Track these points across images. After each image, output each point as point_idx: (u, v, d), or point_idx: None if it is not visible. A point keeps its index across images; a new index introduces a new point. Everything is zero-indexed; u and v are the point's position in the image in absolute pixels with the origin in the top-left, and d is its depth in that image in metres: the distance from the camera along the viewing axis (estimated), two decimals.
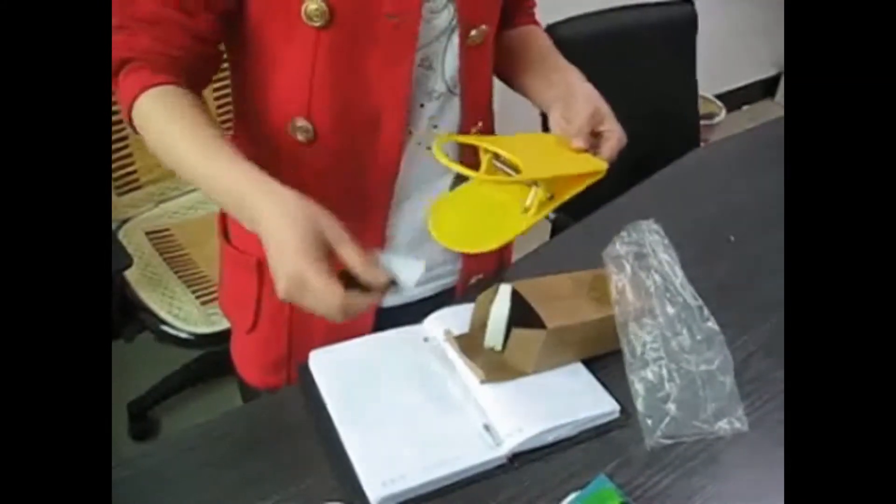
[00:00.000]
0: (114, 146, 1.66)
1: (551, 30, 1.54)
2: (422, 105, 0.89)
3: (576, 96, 0.92)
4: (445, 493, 0.77)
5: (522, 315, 0.86)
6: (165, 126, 0.79)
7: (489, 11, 0.90)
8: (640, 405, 0.84)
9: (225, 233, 1.02)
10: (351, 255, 0.70)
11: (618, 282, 0.89)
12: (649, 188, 1.26)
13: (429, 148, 0.91)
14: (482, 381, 0.83)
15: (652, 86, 1.67)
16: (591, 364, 0.90)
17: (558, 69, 0.99)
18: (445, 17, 0.85)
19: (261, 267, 0.96)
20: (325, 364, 0.88)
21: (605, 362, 0.90)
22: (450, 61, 0.88)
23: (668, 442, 0.83)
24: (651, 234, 0.91)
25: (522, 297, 0.86)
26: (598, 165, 0.88)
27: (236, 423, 0.87)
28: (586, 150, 0.90)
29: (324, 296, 0.68)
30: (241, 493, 0.77)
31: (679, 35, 1.71)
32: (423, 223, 0.92)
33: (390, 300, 0.95)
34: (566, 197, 0.86)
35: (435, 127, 0.92)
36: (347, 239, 0.71)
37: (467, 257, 1.03)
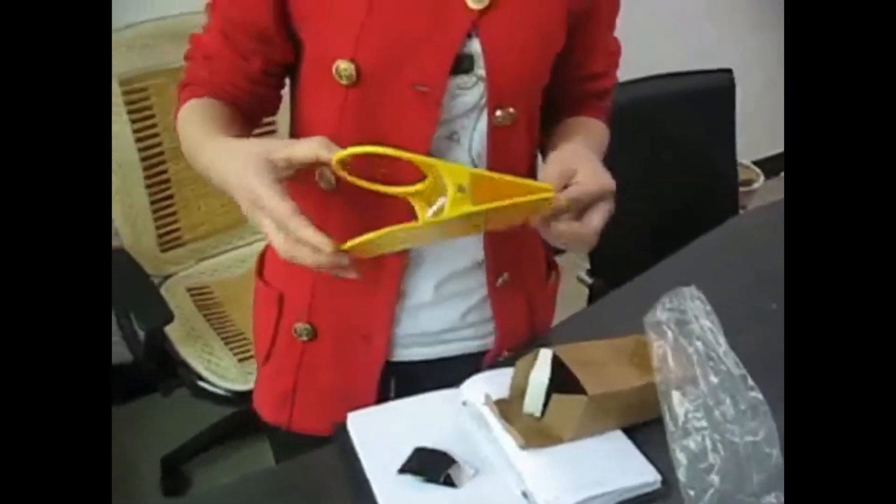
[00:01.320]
0: (160, 205, 1.71)
1: None
2: None
3: (551, 159, 0.87)
4: None
5: (562, 381, 0.85)
6: (193, 129, 0.87)
7: (522, 96, 0.90)
8: (682, 476, 0.83)
9: (260, 269, 1.06)
10: (294, 145, 0.77)
11: (659, 349, 0.88)
12: (688, 255, 1.26)
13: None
14: (521, 447, 0.82)
15: (691, 153, 1.68)
16: (632, 432, 0.89)
17: (568, 143, 0.93)
18: (475, 94, 0.86)
19: (281, 299, 1.01)
20: (363, 425, 0.88)
21: (647, 431, 0.89)
22: (477, 138, 0.89)
23: None
24: (693, 301, 0.90)
25: (563, 362, 0.85)
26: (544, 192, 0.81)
27: (267, 484, 0.87)
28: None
29: (274, 206, 0.73)
30: None
31: (718, 103, 1.72)
32: (440, 284, 0.96)
33: (414, 354, 1.00)
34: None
35: None
36: (293, 143, 0.78)
37: (501, 321, 1.02)
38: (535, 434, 0.84)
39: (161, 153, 1.68)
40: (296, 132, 0.95)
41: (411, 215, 0.85)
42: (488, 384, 0.90)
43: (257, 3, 0.85)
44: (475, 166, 0.90)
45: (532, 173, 1.00)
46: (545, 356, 0.86)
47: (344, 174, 0.79)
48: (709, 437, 0.83)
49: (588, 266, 1.68)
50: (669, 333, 0.88)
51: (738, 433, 0.83)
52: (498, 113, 0.87)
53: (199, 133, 0.86)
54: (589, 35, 0.96)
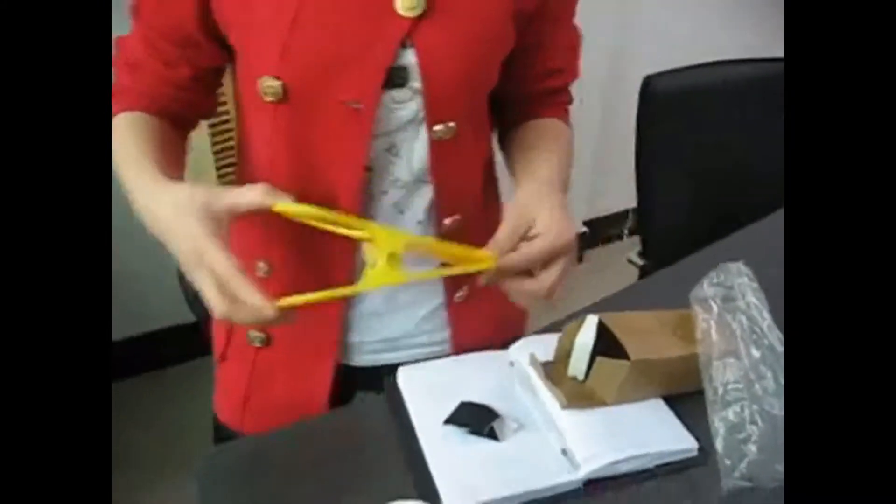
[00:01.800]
0: (222, 171, 1.77)
1: (647, 82, 1.58)
2: (385, 192, 0.88)
3: (509, 208, 0.83)
4: None
5: (607, 346, 0.88)
6: (124, 153, 0.81)
7: (463, 109, 0.86)
8: (719, 445, 0.85)
9: None
10: (237, 196, 0.74)
11: (703, 322, 0.90)
12: (741, 238, 1.27)
13: None
14: (563, 407, 0.85)
15: (743, 140, 1.67)
16: (672, 402, 0.91)
17: (532, 181, 0.88)
18: (412, 108, 0.82)
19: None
20: (413, 379, 0.92)
21: (687, 401, 0.90)
22: (418, 151, 0.86)
23: (746, 485, 0.83)
24: (740, 277, 0.92)
25: (608, 329, 0.88)
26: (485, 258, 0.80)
27: (319, 430, 0.91)
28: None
29: (218, 262, 0.70)
30: (321, 498, 0.81)
31: (771, 90, 1.72)
32: (387, 297, 0.96)
33: (370, 360, 1.00)
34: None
35: (401, 213, 0.90)
36: (236, 193, 0.74)
37: (457, 330, 1.00)
38: (578, 396, 0.87)
39: None
40: (239, 146, 0.93)
41: (349, 251, 0.87)
42: (535, 346, 0.93)
43: (181, 10, 0.81)
44: (419, 180, 0.88)
45: (488, 188, 0.99)
46: (591, 321, 0.89)
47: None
48: (748, 408, 0.85)
49: (640, 248, 1.70)
50: (714, 307, 0.90)
51: (776, 406, 0.84)
52: (437, 127, 0.83)
53: (131, 162, 0.80)
54: (544, 32, 0.91)
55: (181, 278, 1.01)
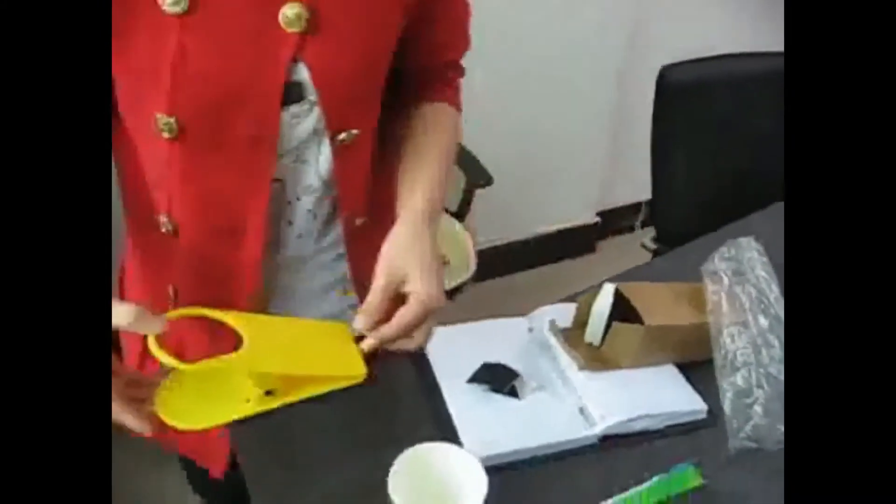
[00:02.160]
0: None
1: (664, 73, 1.61)
2: (298, 198, 0.90)
3: (386, 253, 0.82)
4: (536, 464, 0.85)
5: (623, 314, 0.93)
6: None
7: (361, 117, 0.87)
8: (726, 407, 0.90)
9: (122, 294, 1.05)
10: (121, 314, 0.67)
11: (714, 294, 0.95)
12: (754, 220, 1.30)
13: (300, 236, 0.94)
14: (580, 368, 0.90)
15: (760, 132, 1.71)
16: (684, 369, 0.96)
17: (414, 190, 0.88)
18: (312, 119, 0.82)
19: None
20: (437, 342, 0.96)
21: (698, 369, 0.95)
22: (324, 159, 0.87)
23: (752, 446, 0.88)
24: (750, 251, 0.97)
25: (624, 297, 0.93)
26: (355, 371, 0.80)
27: (350, 389, 0.96)
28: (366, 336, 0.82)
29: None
30: (355, 450, 0.86)
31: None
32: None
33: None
34: (305, 393, 0.78)
35: (315, 217, 0.93)
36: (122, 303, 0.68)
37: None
38: (594, 359, 0.92)
39: None
40: (122, 179, 0.90)
41: (254, 281, 0.88)
42: (553, 314, 0.98)
43: None
44: (325, 186, 0.89)
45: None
46: (608, 290, 0.94)
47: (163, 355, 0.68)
48: (755, 373, 0.90)
49: (654, 234, 1.74)
50: (725, 280, 0.95)
51: (782, 372, 0.89)
52: (341, 136, 0.84)
53: None
54: (427, 16, 0.88)
55: None
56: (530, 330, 0.99)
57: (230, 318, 0.74)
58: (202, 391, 0.73)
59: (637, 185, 2.57)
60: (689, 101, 1.64)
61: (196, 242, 0.87)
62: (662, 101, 1.62)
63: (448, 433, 0.86)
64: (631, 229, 2.96)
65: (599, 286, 0.95)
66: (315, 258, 0.98)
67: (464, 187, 1.97)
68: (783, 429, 0.87)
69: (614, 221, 2.88)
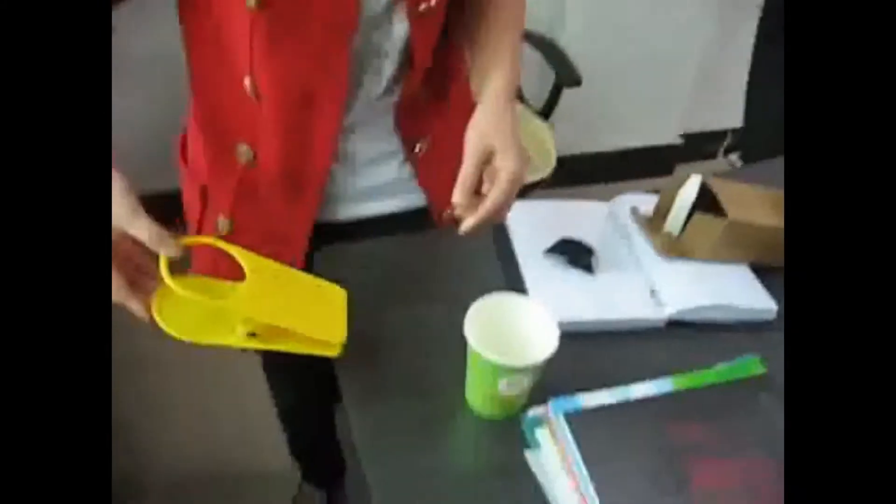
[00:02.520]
0: None
1: None
2: (371, 63, 0.91)
3: (473, 130, 0.84)
4: (603, 337, 0.87)
5: (706, 206, 0.93)
6: None
7: None
8: None
9: (184, 154, 1.08)
10: (140, 229, 0.71)
11: None
12: None
13: (369, 99, 0.94)
14: (657, 253, 0.91)
15: None
16: (760, 273, 0.96)
17: (489, 71, 0.90)
18: None
19: (204, 191, 1.02)
20: (517, 214, 0.98)
21: (774, 275, 0.95)
22: (399, 26, 0.88)
23: None
24: None
25: (710, 190, 0.93)
26: (334, 338, 0.79)
27: (426, 243, 1.00)
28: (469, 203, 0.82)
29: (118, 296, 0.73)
30: (424, 298, 0.91)
31: None
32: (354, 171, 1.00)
33: (345, 214, 1.03)
34: (284, 347, 0.79)
35: (383, 83, 0.94)
36: (142, 217, 0.71)
37: (430, 187, 1.05)
38: (672, 248, 0.93)
39: None
40: (202, 49, 0.92)
41: (332, 142, 0.91)
42: (635, 201, 0.99)
43: None
44: (397, 54, 0.90)
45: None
46: (694, 180, 0.94)
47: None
48: None
49: (739, 153, 1.71)
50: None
51: None
52: (422, 7, 0.86)
53: None
54: None
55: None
56: (610, 214, 1.00)
57: (240, 255, 0.77)
58: (196, 307, 0.76)
59: (726, 111, 2.52)
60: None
61: (278, 106, 0.90)
62: (767, 24, 1.55)
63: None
64: (713, 156, 2.91)
65: (686, 177, 0.95)
66: (373, 121, 0.98)
67: (552, 85, 1.95)
68: None
69: (697, 145, 2.82)
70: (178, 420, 1.82)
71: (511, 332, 0.77)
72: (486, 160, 0.82)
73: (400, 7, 0.86)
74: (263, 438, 1.71)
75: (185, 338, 0.75)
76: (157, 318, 0.74)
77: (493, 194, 0.81)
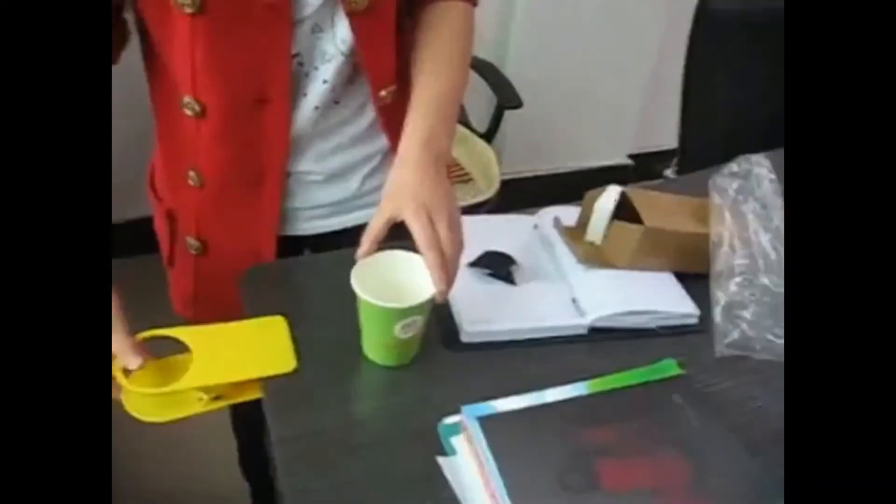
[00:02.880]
0: None
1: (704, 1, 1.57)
2: (316, 68, 0.91)
3: (389, 191, 0.84)
4: (525, 346, 0.88)
5: (625, 215, 0.95)
6: None
7: None
8: (717, 315, 0.92)
9: (152, 183, 1.08)
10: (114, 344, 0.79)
11: (718, 206, 0.96)
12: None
13: (316, 108, 0.93)
14: (578, 261, 0.93)
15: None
16: (682, 280, 0.97)
17: (412, 119, 0.88)
18: None
19: (171, 214, 1.04)
20: None
21: (695, 281, 0.96)
22: (339, 26, 0.88)
23: (738, 353, 0.90)
24: (759, 167, 0.97)
25: (629, 200, 0.95)
26: (287, 367, 0.83)
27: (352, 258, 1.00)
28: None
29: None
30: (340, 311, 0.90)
31: None
32: (316, 185, 1.00)
33: (319, 227, 1.05)
34: (248, 396, 0.84)
35: (332, 90, 0.93)
36: (117, 327, 0.79)
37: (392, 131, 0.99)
38: (593, 256, 0.95)
39: None
40: (148, 65, 0.94)
41: (283, 140, 0.91)
42: (560, 213, 1.01)
43: None
44: (343, 55, 0.90)
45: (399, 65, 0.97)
46: (613, 190, 0.95)
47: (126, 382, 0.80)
48: (749, 283, 0.91)
49: (676, 167, 1.74)
50: (731, 192, 0.97)
51: (775, 283, 0.91)
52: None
53: None
54: None
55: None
56: (535, 227, 1.02)
57: (179, 334, 0.83)
58: (159, 394, 0.82)
59: (676, 130, 2.56)
60: (730, 32, 1.59)
61: (223, 120, 0.90)
62: (700, 32, 1.58)
63: (444, 312, 0.90)
64: (662, 176, 2.95)
65: (605, 187, 0.97)
66: (330, 131, 0.98)
67: (494, 108, 1.98)
68: (771, 338, 0.90)
69: (647, 165, 2.86)
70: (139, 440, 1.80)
71: (394, 282, 0.81)
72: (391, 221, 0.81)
73: (335, 4, 0.85)
74: (217, 458, 1.70)
75: (156, 420, 0.82)
76: (129, 410, 0.82)
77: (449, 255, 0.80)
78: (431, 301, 0.79)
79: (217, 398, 0.83)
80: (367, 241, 0.81)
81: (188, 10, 0.79)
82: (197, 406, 0.83)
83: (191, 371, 0.81)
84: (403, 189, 0.82)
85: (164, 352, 0.85)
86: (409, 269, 0.81)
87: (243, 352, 0.85)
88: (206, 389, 0.83)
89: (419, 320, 0.80)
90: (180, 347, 0.85)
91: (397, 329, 0.79)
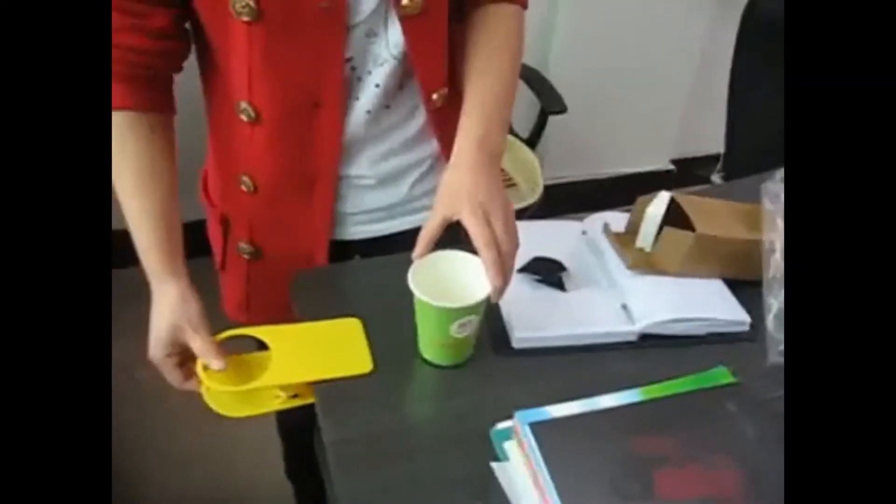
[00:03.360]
0: None
1: (753, 3, 1.56)
2: (369, 72, 0.92)
3: (443, 192, 0.85)
4: (575, 352, 0.88)
5: (675, 221, 0.95)
6: (118, 167, 0.87)
7: None
8: (769, 323, 0.91)
9: (205, 188, 1.10)
10: (195, 343, 0.87)
11: (771, 212, 0.95)
12: None
13: (368, 112, 0.94)
14: (628, 267, 0.93)
15: None
16: (732, 287, 0.96)
17: (468, 118, 0.90)
18: None
19: (224, 220, 1.06)
20: None
21: (746, 288, 0.95)
22: (392, 30, 0.89)
23: None
24: None
25: (679, 205, 0.94)
26: (363, 369, 0.85)
27: (404, 263, 1.00)
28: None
29: (169, 376, 0.91)
30: (394, 317, 0.89)
31: None
32: (368, 189, 1.01)
33: (369, 231, 1.06)
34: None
35: (385, 94, 0.94)
36: (200, 330, 0.88)
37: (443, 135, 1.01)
38: (643, 262, 0.95)
39: None
40: (205, 71, 0.96)
41: (335, 143, 0.93)
42: (608, 219, 1.01)
43: None
44: (395, 60, 0.91)
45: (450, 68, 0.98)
46: (663, 196, 0.95)
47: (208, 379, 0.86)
48: None
49: (722, 173, 1.73)
50: (783, 199, 0.95)
51: None
52: (405, 2, 0.86)
53: (131, 193, 0.87)
54: None
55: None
56: (584, 233, 1.02)
57: (259, 333, 0.87)
58: (240, 392, 0.86)
59: (718, 135, 2.54)
60: (778, 35, 1.58)
61: (277, 124, 0.92)
62: (747, 34, 1.57)
63: (495, 320, 0.90)
64: (706, 181, 2.92)
65: (656, 193, 0.97)
66: (383, 135, 0.99)
67: (537, 113, 1.98)
68: None
69: (689, 171, 2.84)
70: (167, 447, 1.84)
71: (449, 282, 0.82)
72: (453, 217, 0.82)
73: (388, 8, 0.86)
74: (256, 463, 1.74)
75: (236, 415, 0.86)
76: (210, 404, 0.87)
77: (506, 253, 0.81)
78: (486, 301, 0.80)
79: (294, 396, 0.86)
80: (423, 241, 0.82)
81: (246, 18, 0.81)
82: (275, 403, 0.86)
83: (270, 369, 0.84)
84: (459, 190, 0.83)
85: (237, 349, 0.89)
86: (464, 270, 0.83)
87: (321, 352, 0.87)
88: (284, 388, 0.85)
89: (474, 320, 0.81)
90: (254, 345, 0.88)
91: (454, 328, 0.80)
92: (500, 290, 0.79)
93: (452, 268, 0.83)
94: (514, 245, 0.82)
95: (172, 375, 0.91)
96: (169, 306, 0.88)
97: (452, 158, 0.87)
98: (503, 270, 0.79)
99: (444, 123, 0.97)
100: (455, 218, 0.81)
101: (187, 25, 0.89)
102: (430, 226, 0.82)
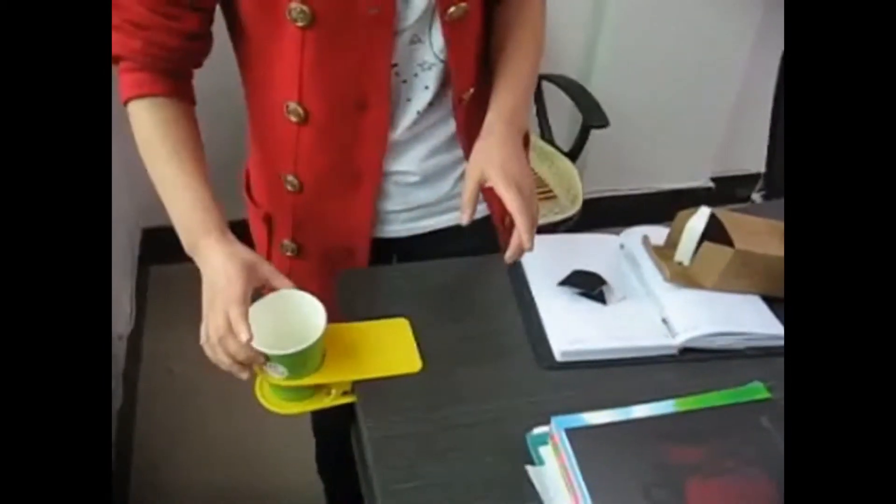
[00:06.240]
0: None
1: None
2: (416, 75, 0.96)
3: (476, 153, 0.92)
4: (615, 365, 0.89)
5: (715, 237, 0.95)
6: (150, 143, 0.90)
7: None
8: None
9: (248, 189, 1.13)
10: (279, 280, 0.89)
11: None
12: None
13: (418, 112, 0.98)
14: (666, 280, 0.94)
15: None
16: (771, 302, 0.97)
17: (499, 91, 0.97)
18: None
19: (268, 219, 1.08)
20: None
21: (780, 305, 0.95)
22: (436, 36, 0.93)
23: None
24: None
25: (719, 221, 0.95)
26: (412, 367, 0.88)
27: (442, 270, 1.03)
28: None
29: (231, 348, 0.82)
30: (435, 322, 0.94)
31: None
32: (412, 186, 1.04)
33: (410, 229, 1.08)
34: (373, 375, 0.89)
35: (426, 88, 0.98)
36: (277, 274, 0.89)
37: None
38: (681, 276, 0.96)
39: None
40: (250, 73, 0.98)
41: (381, 144, 0.97)
42: (647, 232, 1.02)
43: None
44: (441, 63, 0.95)
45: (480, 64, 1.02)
46: (704, 212, 0.96)
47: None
48: None
49: (763, 191, 1.72)
50: None
51: None
52: (452, 10, 0.91)
53: (167, 170, 0.89)
54: None
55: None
56: (622, 246, 1.03)
57: None
58: (293, 387, 0.87)
59: (759, 154, 2.53)
60: None
61: (325, 124, 0.95)
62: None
63: (534, 326, 0.92)
64: (746, 199, 2.90)
65: (696, 208, 0.98)
66: (428, 133, 1.02)
67: (579, 127, 1.99)
68: None
69: (729, 189, 2.82)
70: (200, 440, 1.87)
71: (290, 325, 0.85)
72: (485, 183, 0.90)
73: (434, 14, 0.90)
74: (287, 460, 1.76)
75: (287, 412, 0.88)
76: (262, 401, 0.89)
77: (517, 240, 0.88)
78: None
79: (345, 394, 0.88)
80: (468, 205, 0.90)
81: (300, 24, 0.86)
82: (325, 400, 0.89)
83: (326, 366, 0.87)
84: (491, 159, 0.90)
85: None
86: (301, 311, 0.87)
87: (373, 350, 0.90)
88: (336, 385, 0.88)
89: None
90: None
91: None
92: (531, 250, 0.88)
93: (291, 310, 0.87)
94: (538, 212, 0.92)
95: (235, 348, 0.82)
96: (235, 251, 0.86)
97: (483, 130, 0.94)
98: (533, 233, 0.87)
99: (467, 121, 1.01)
100: (488, 184, 0.89)
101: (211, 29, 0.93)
102: (471, 188, 0.90)
